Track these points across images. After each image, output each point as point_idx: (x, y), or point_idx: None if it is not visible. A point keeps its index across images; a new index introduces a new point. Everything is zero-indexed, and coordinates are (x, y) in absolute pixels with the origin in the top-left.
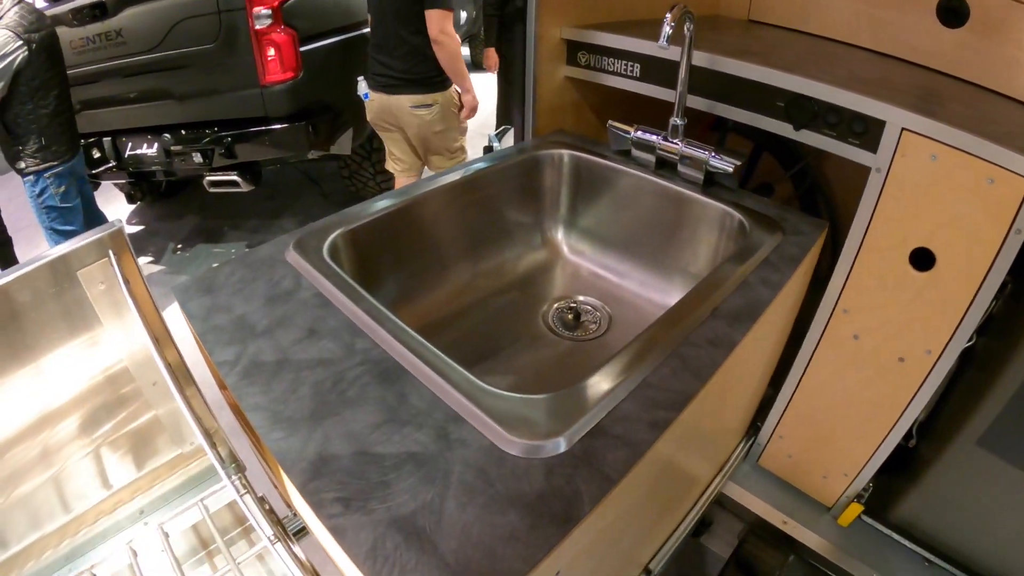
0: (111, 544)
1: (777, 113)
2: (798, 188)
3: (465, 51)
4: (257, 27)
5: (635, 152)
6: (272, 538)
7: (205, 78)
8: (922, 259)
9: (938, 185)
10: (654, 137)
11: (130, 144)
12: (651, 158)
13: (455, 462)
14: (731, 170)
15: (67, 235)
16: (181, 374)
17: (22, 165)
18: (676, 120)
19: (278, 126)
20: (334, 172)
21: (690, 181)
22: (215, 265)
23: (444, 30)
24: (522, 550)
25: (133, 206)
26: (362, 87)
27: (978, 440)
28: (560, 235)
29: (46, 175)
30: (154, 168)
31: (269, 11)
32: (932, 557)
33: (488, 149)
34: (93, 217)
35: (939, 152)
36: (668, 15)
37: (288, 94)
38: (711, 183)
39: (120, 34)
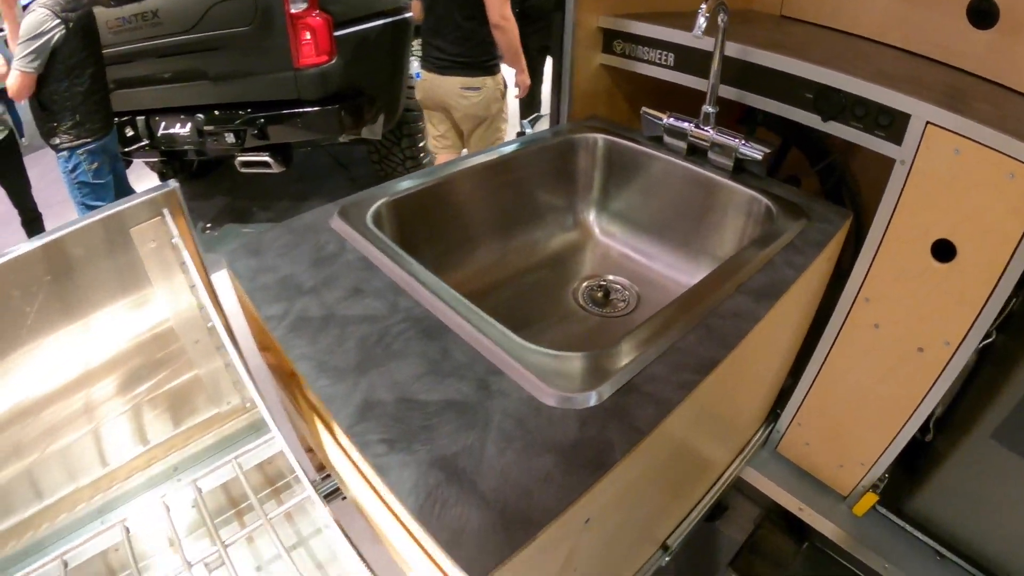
0: (144, 499)
1: (806, 104)
2: (824, 183)
3: None
4: (293, 11)
5: (667, 139)
6: (317, 482)
7: (239, 60)
8: (943, 250)
9: (960, 179)
10: (686, 124)
11: (163, 123)
12: (682, 145)
13: (494, 411)
14: (760, 157)
15: None
16: (229, 333)
17: (57, 141)
18: (708, 108)
19: (311, 109)
20: (363, 157)
21: (720, 168)
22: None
23: (504, 15)
24: (557, 492)
25: None
26: (414, 66)
27: (993, 434)
28: (592, 217)
29: (79, 151)
30: (186, 147)
31: None
32: (944, 551)
33: (520, 135)
34: (124, 194)
35: (962, 146)
36: (703, 6)
37: (321, 78)
38: (740, 170)
39: (156, 15)
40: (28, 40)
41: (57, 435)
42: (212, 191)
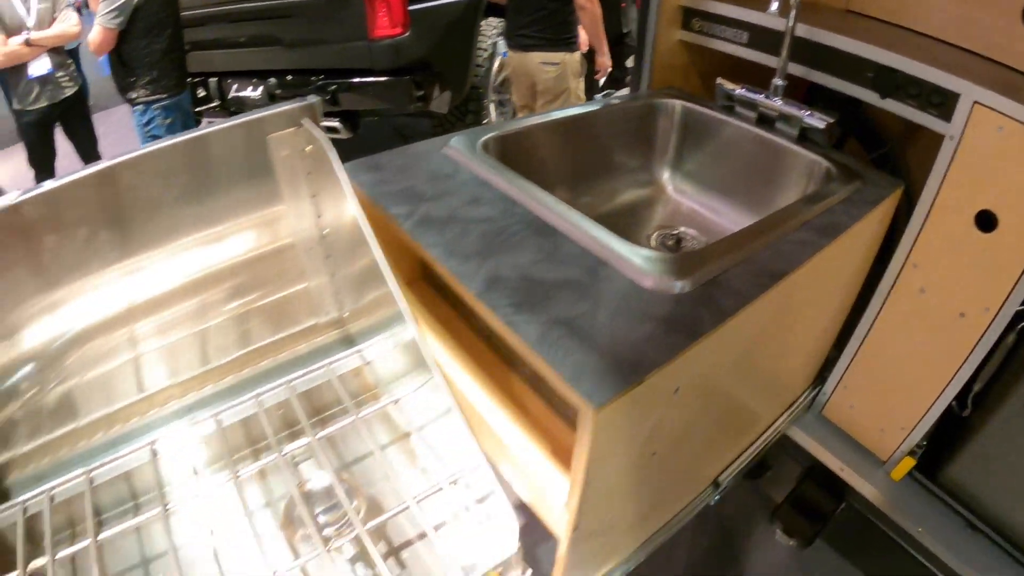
0: (241, 397)
1: (866, 83)
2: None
3: None
4: None
5: (738, 108)
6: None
7: (314, 28)
8: (986, 221)
9: (1003, 154)
10: (757, 96)
11: (235, 86)
12: (752, 114)
13: (603, 289)
14: (823, 127)
15: None
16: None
17: (133, 95)
18: (778, 81)
19: (382, 79)
20: (425, 131)
21: (785, 135)
22: None
23: None
24: (658, 349)
25: None
26: (501, 46)
27: None
28: (666, 175)
29: (155, 106)
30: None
31: None
32: (976, 521)
33: None
34: None
35: (1005, 125)
36: None
37: (394, 49)
38: (804, 139)
39: None
40: None
41: (168, 333)
42: None
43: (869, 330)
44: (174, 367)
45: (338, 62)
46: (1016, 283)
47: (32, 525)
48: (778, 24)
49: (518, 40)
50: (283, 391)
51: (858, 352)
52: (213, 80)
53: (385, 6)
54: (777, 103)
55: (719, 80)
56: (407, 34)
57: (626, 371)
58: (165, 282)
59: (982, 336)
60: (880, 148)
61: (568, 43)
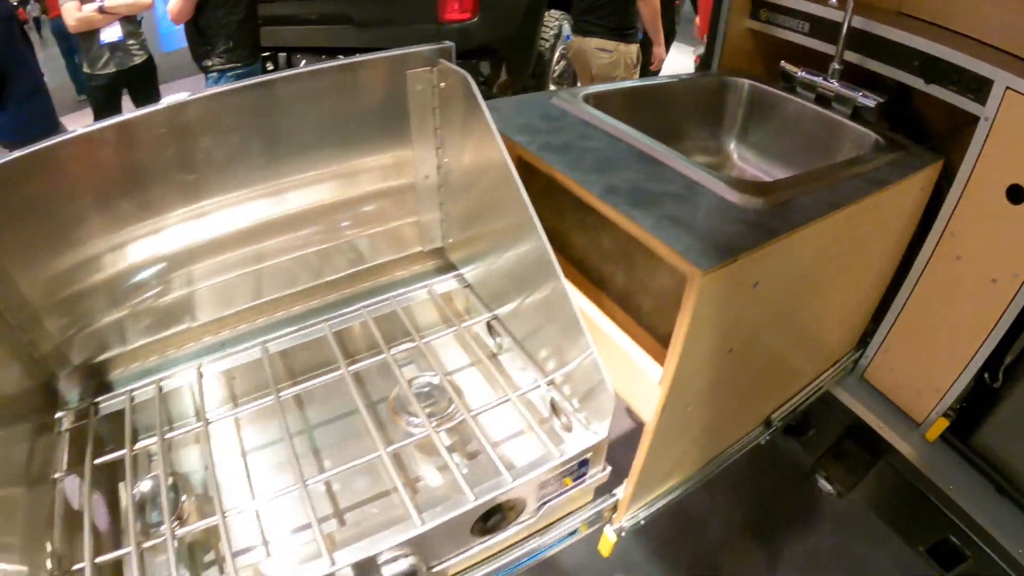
0: (350, 309)
1: (913, 70)
2: None
3: None
4: None
5: (799, 89)
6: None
7: (385, 8)
8: (1016, 194)
9: None
10: (816, 78)
11: (304, 61)
12: (811, 95)
13: (699, 200)
14: (873, 105)
15: None
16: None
17: (208, 63)
18: (835, 65)
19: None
20: None
21: (840, 113)
22: None
23: None
24: (745, 240)
25: None
26: (566, 29)
27: None
28: (732, 145)
29: (229, 74)
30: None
31: None
32: (1006, 485)
33: None
34: None
35: None
36: None
37: (462, 33)
38: (856, 117)
39: None
40: None
41: (289, 252)
42: None
43: (909, 296)
44: (292, 279)
45: (407, 43)
46: None
47: (137, 413)
48: (836, 16)
49: (580, 25)
50: (389, 304)
51: (899, 317)
52: (283, 55)
53: None
54: (834, 84)
55: (783, 63)
56: (475, 19)
57: (723, 251)
58: (300, 202)
59: (1012, 300)
60: (922, 133)
61: (624, 35)
